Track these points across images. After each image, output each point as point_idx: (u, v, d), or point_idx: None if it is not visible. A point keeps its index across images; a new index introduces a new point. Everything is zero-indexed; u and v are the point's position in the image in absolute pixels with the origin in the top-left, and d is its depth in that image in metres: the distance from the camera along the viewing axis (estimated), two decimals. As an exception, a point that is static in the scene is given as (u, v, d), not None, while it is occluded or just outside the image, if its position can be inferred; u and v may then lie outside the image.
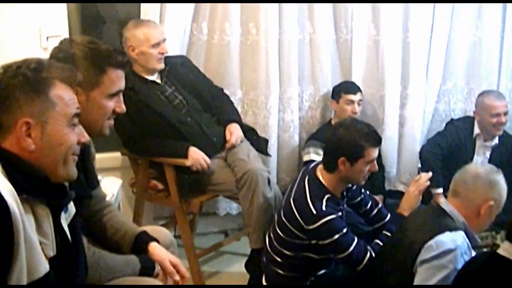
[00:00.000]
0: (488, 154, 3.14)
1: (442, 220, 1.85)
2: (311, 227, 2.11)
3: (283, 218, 2.20)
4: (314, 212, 2.10)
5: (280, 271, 2.26)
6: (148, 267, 1.67)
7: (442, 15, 3.18)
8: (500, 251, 1.54)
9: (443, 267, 1.74)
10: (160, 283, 1.65)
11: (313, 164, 2.30)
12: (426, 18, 3.14)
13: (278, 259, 2.26)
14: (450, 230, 1.80)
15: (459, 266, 1.74)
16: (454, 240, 1.77)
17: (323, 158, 2.24)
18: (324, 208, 2.10)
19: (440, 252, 1.75)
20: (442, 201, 2.09)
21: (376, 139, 2.15)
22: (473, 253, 1.84)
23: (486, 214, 1.86)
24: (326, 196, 2.14)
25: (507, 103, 3.10)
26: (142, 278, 1.64)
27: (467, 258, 1.77)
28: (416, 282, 1.79)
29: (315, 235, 2.12)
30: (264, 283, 2.34)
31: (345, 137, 2.12)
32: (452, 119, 3.25)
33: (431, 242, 1.77)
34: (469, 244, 1.82)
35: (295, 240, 2.17)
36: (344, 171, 2.14)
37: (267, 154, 2.93)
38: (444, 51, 3.26)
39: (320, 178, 2.19)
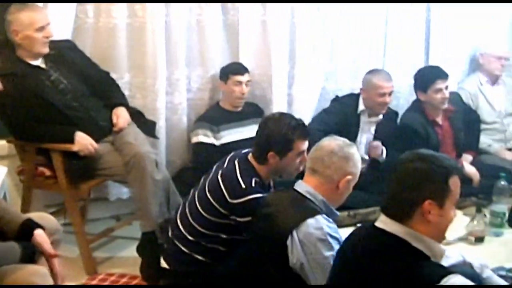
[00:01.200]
0: (373, 129, 4.08)
1: (300, 206, 2.30)
2: (236, 201, 2.59)
3: (207, 193, 2.69)
4: (243, 186, 2.59)
5: (186, 250, 2.75)
6: (29, 253, 2.09)
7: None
8: (377, 223, 1.91)
9: (325, 258, 2.18)
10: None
11: (244, 150, 2.83)
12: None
13: (190, 237, 2.75)
14: (311, 216, 2.23)
15: (337, 247, 2.15)
16: (319, 228, 2.20)
17: (253, 150, 2.75)
18: (253, 185, 2.60)
19: (313, 245, 2.18)
20: (298, 182, 2.47)
21: (304, 132, 2.69)
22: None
23: (345, 188, 2.35)
24: (255, 179, 2.65)
25: (393, 85, 4.02)
26: (23, 266, 2.07)
27: (338, 235, 2.23)
28: (312, 282, 2.19)
29: (237, 210, 2.60)
30: (163, 264, 2.88)
31: (274, 131, 2.65)
32: (337, 96, 4.15)
33: (301, 237, 2.20)
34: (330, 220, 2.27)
35: (214, 218, 2.68)
36: (274, 164, 2.67)
37: (154, 137, 3.63)
38: (330, 31, 4.16)
39: (252, 162, 2.72)
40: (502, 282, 2.33)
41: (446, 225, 1.92)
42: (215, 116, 3.81)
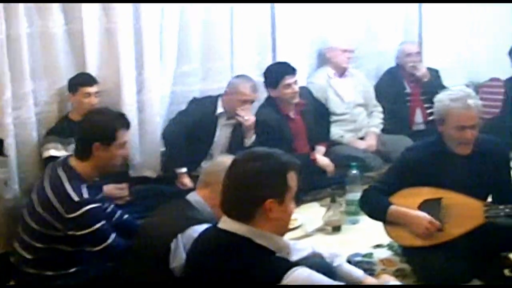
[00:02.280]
0: (230, 131, 4.95)
1: (189, 213, 2.89)
2: (72, 215, 3.11)
3: (39, 209, 3.22)
4: (76, 199, 3.12)
5: (31, 270, 3.26)
6: None
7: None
8: (220, 224, 2.27)
9: None
10: None
11: (61, 158, 3.49)
12: (156, 6, 4.80)
13: (28, 256, 3.26)
14: (197, 223, 2.74)
15: None
16: None
17: (75, 148, 3.35)
18: (85, 196, 3.15)
19: None
20: (191, 193, 3.17)
21: (126, 121, 3.36)
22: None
23: None
24: (85, 184, 3.21)
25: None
26: None
27: None
28: None
29: (74, 224, 3.13)
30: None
31: (97, 122, 3.28)
32: (194, 98, 4.97)
33: (185, 242, 2.70)
34: None
35: (50, 231, 3.18)
36: (99, 157, 3.25)
37: (2, 155, 4.21)
38: (177, 35, 4.98)
39: (75, 167, 3.28)
40: (354, 269, 2.88)
41: (288, 218, 2.32)
42: (65, 128, 4.42)
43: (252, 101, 4.86)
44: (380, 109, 5.87)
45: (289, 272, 2.08)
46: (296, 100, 5.00)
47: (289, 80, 4.92)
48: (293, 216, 4.28)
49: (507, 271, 2.83)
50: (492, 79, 6.69)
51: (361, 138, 5.70)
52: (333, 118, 5.59)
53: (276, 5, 5.41)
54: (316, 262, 2.63)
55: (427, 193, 3.60)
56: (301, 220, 4.50)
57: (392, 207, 3.58)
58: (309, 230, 4.36)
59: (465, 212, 3.51)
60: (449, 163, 3.59)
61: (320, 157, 5.07)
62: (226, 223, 2.24)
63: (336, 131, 5.55)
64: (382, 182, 3.81)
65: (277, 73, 4.99)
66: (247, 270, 2.11)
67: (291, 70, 4.98)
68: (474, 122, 3.49)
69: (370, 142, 5.61)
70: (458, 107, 3.47)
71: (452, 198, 3.55)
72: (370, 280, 2.76)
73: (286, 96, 4.95)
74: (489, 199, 3.70)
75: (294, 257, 2.56)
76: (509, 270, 2.83)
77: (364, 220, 4.17)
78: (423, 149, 3.74)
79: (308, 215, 4.62)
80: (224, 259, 2.17)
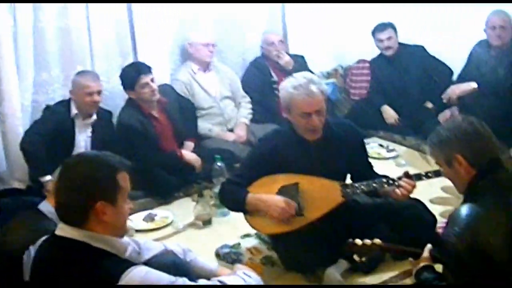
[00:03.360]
0: (89, 132, 4.88)
1: (40, 224, 2.94)
2: None
3: None
4: None
5: None
6: None
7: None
8: (57, 231, 2.25)
9: None
10: None
11: None
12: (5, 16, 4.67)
13: None
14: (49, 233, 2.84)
15: None
16: None
17: None
18: None
19: None
20: (42, 202, 3.28)
21: None
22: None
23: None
24: None
25: (101, 83, 4.90)
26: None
27: None
28: None
29: None
30: None
31: None
32: (47, 105, 4.87)
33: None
34: None
35: None
36: None
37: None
38: (32, 43, 4.87)
39: None
40: (207, 263, 2.89)
41: (123, 220, 2.30)
42: None
43: (99, 91, 4.79)
44: (248, 99, 5.93)
45: (126, 272, 2.10)
46: (156, 98, 4.96)
47: (144, 79, 4.88)
48: (164, 214, 4.47)
49: (355, 256, 2.92)
50: (359, 61, 6.90)
51: (231, 130, 5.73)
52: (200, 112, 5.60)
53: (133, 5, 5.38)
54: (169, 260, 2.63)
55: (283, 179, 3.66)
56: (172, 216, 4.53)
57: (249, 195, 3.63)
58: (180, 226, 4.38)
59: (323, 194, 3.61)
60: (301, 149, 3.67)
61: (187, 152, 5.07)
62: (63, 230, 2.22)
63: (204, 125, 5.56)
64: (237, 175, 3.84)
65: (132, 73, 4.94)
66: (86, 274, 2.10)
67: (146, 69, 4.94)
68: (318, 108, 3.55)
69: (239, 133, 5.66)
70: (301, 94, 3.52)
71: (308, 182, 3.63)
72: (225, 272, 2.79)
73: (144, 96, 4.91)
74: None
75: (145, 256, 2.58)
76: (358, 255, 2.91)
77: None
78: (274, 138, 3.80)
79: (181, 211, 4.64)
80: (63, 266, 2.15)
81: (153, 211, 4.64)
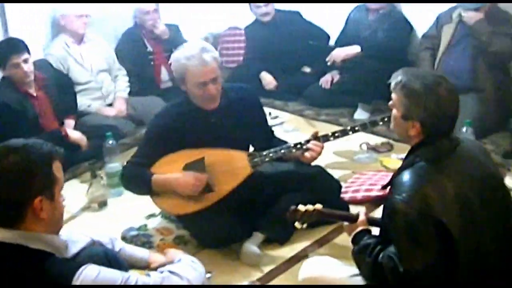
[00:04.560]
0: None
1: None
2: None
3: None
4: None
5: None
6: None
7: None
8: None
9: None
10: None
11: None
12: None
13: None
14: None
15: None
16: None
17: None
18: None
19: None
20: None
21: None
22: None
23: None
24: None
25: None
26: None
27: None
28: None
29: None
30: None
31: None
32: None
33: None
34: None
35: None
36: None
37: None
38: None
39: None
40: (137, 250, 2.74)
41: (60, 214, 2.10)
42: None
43: None
44: (124, 72, 5.64)
45: (77, 273, 1.94)
46: (30, 79, 4.56)
47: (16, 59, 4.45)
48: None
49: (297, 224, 2.82)
50: (230, 28, 6.77)
51: (110, 105, 5.45)
52: (78, 88, 5.26)
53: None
54: (99, 251, 2.43)
55: (187, 156, 3.49)
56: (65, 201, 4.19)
57: (155, 177, 3.44)
58: (74, 211, 4.08)
59: (231, 166, 3.50)
60: (201, 121, 3.52)
61: (71, 131, 4.73)
62: None
63: (83, 101, 5.23)
64: (138, 156, 3.61)
65: (2, 53, 4.51)
66: (31, 280, 1.89)
67: (18, 48, 4.49)
68: (214, 76, 3.42)
69: (119, 107, 5.39)
70: (195, 64, 3.36)
71: (214, 155, 3.49)
72: (157, 258, 2.62)
73: (16, 76, 4.50)
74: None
75: (73, 250, 2.34)
76: (300, 223, 2.82)
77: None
78: (170, 111, 3.61)
79: (70, 195, 4.29)
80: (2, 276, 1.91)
81: (41, 197, 4.27)
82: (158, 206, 3.57)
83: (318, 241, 3.56)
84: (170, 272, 2.28)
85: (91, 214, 4.05)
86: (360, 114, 5.42)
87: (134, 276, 2.10)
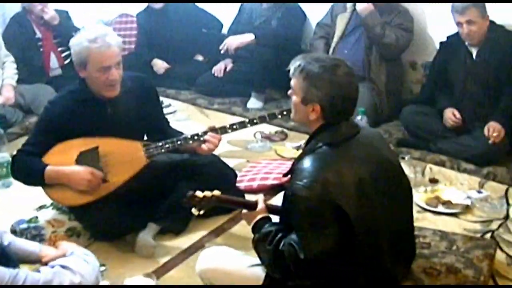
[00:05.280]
0: None
1: None
2: None
3: None
4: None
5: None
6: None
7: None
8: None
9: None
10: None
11: None
12: None
13: None
14: None
15: None
16: None
17: None
18: None
19: None
20: None
21: None
22: None
23: None
24: None
25: None
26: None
27: None
28: None
29: None
30: None
31: None
32: None
33: None
34: None
35: None
36: None
37: None
38: None
39: None
40: (27, 243, 2.58)
41: None
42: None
43: None
44: (12, 58, 5.37)
45: None
46: None
47: None
48: None
49: (194, 210, 2.77)
50: (121, 15, 6.62)
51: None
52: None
53: None
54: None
55: (80, 144, 3.38)
56: None
57: (48, 168, 3.31)
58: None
59: (126, 156, 3.42)
60: (98, 109, 3.42)
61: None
62: None
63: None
64: (29, 144, 3.45)
65: None
66: None
67: None
68: (118, 60, 3.33)
69: (7, 95, 5.13)
70: (99, 47, 3.25)
71: (108, 145, 3.40)
72: (49, 252, 2.51)
73: None
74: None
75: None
76: (197, 209, 2.76)
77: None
78: (66, 99, 3.47)
79: None
80: None
81: None
82: (50, 197, 3.44)
83: (215, 231, 3.56)
84: (62, 266, 2.20)
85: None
86: (254, 103, 5.42)
87: (23, 273, 2.01)
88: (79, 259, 2.31)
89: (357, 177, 2.34)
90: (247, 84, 5.48)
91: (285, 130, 4.89)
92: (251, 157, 4.48)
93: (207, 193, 2.73)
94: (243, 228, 2.79)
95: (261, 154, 4.55)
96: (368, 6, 4.75)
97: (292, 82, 2.47)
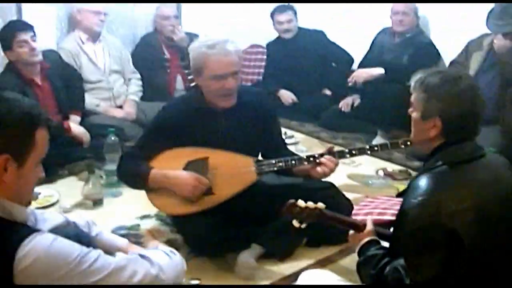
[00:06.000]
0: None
1: None
2: None
3: None
4: None
5: None
6: None
7: None
8: None
9: None
10: None
11: None
12: None
13: None
14: None
15: None
16: None
17: None
18: None
19: None
20: None
21: None
22: None
23: None
24: None
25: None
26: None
27: None
28: None
29: None
30: None
31: None
32: None
33: None
34: None
35: None
36: None
37: None
38: None
39: None
40: (115, 238, 2.46)
41: (29, 187, 1.88)
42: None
43: None
44: (138, 76, 5.43)
45: (26, 240, 1.67)
46: (37, 59, 4.34)
47: (22, 36, 4.25)
48: (48, 192, 3.88)
49: (295, 221, 2.51)
50: (252, 46, 6.56)
51: (120, 107, 5.21)
52: (88, 86, 5.03)
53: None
54: (71, 233, 2.09)
55: (190, 153, 3.21)
56: (57, 195, 3.97)
57: (153, 171, 3.17)
58: (67, 205, 3.82)
59: (235, 170, 3.21)
60: (211, 119, 3.25)
61: (75, 126, 4.51)
62: None
63: (91, 100, 5.00)
64: (138, 147, 3.36)
65: (8, 31, 4.32)
66: None
67: (25, 26, 4.33)
68: (235, 69, 3.15)
69: (129, 110, 5.15)
70: (217, 54, 3.10)
71: (219, 157, 3.21)
72: (135, 249, 2.31)
73: (23, 56, 4.27)
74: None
75: (41, 228, 2.00)
76: (298, 221, 2.50)
77: (128, 191, 3.72)
78: (180, 105, 3.36)
79: (66, 191, 4.07)
80: None
81: (36, 189, 4.00)
82: (153, 204, 3.28)
83: (321, 261, 3.26)
84: (141, 256, 1.98)
85: (83, 211, 3.77)
86: (378, 142, 5.10)
87: (95, 253, 1.80)
88: (161, 252, 2.09)
89: (478, 202, 2.08)
90: (373, 122, 5.21)
91: (409, 170, 4.55)
92: (371, 192, 4.17)
93: (310, 204, 2.49)
94: (353, 262, 2.45)
95: (381, 190, 4.23)
96: (507, 43, 4.37)
97: (412, 97, 2.28)
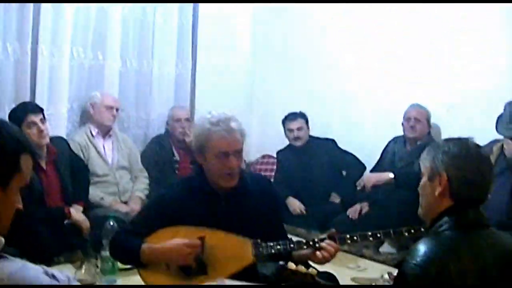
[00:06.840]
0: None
1: None
2: None
3: None
4: None
5: None
6: None
7: None
8: None
9: None
10: None
11: None
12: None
13: None
14: None
15: None
16: None
17: None
18: None
19: None
20: None
21: None
22: None
23: None
24: None
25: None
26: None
27: None
28: None
29: None
30: None
31: None
32: None
33: None
34: None
35: None
36: None
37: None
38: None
39: None
40: None
41: (8, 213, 1.80)
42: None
43: None
44: (145, 174, 5.43)
45: None
46: (45, 141, 4.40)
47: (32, 118, 4.34)
48: None
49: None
50: (264, 156, 6.58)
51: (125, 203, 5.18)
52: (94, 179, 5.03)
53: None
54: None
55: (186, 232, 3.10)
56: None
57: (145, 245, 3.06)
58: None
59: (232, 252, 3.09)
60: (212, 201, 3.16)
61: (75, 212, 4.44)
62: None
63: (96, 193, 4.97)
64: (133, 223, 3.30)
65: (19, 112, 4.41)
66: None
67: (35, 108, 4.43)
68: (239, 148, 3.10)
69: (133, 207, 5.08)
70: (220, 131, 3.05)
71: (216, 238, 3.10)
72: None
73: (32, 137, 4.24)
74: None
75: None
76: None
77: (123, 279, 3.73)
78: (180, 185, 3.30)
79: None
80: None
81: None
82: (144, 281, 3.13)
83: None
84: None
85: (73, 296, 3.62)
86: (386, 249, 4.99)
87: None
88: None
89: (481, 265, 2.02)
90: (382, 229, 5.06)
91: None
92: (374, 295, 4.02)
93: (301, 268, 2.38)
94: None
95: (385, 293, 4.07)
96: None
97: (422, 167, 2.28)
